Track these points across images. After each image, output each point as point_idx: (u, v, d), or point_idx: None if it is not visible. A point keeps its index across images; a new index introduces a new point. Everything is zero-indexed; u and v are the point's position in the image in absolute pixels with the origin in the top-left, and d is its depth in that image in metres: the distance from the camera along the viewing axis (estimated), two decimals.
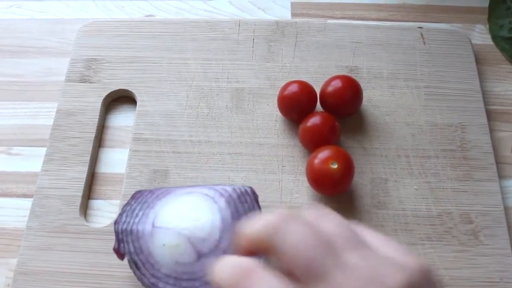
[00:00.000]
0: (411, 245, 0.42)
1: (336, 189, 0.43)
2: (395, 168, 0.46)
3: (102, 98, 0.49)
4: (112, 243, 0.39)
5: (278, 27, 0.54)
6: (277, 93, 0.48)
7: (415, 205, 0.44)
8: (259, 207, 0.39)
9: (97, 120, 0.48)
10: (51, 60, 0.53)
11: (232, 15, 0.57)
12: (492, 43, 0.55)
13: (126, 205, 0.41)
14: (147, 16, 0.57)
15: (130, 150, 0.47)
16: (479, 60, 0.53)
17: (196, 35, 0.53)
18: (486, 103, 0.50)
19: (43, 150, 0.47)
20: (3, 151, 0.48)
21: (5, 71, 0.53)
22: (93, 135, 0.47)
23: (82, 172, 0.46)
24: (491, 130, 0.49)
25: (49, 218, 0.43)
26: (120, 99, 0.51)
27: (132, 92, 0.50)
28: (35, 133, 0.49)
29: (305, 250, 0.24)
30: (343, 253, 0.24)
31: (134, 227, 0.39)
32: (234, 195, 0.39)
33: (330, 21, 0.56)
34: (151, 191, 0.41)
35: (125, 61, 0.52)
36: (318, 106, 0.48)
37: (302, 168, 0.46)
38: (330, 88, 0.47)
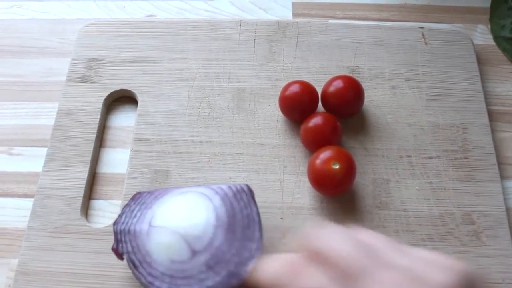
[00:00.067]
0: (413, 246, 0.42)
1: (338, 190, 0.43)
2: (397, 169, 0.46)
3: (103, 98, 0.49)
4: None
5: (279, 27, 0.54)
6: (279, 93, 0.48)
7: (417, 206, 0.44)
8: (255, 204, 0.39)
9: (98, 120, 0.48)
10: (52, 60, 0.53)
11: (233, 15, 0.57)
12: (493, 43, 0.55)
13: (125, 206, 0.41)
14: (148, 16, 0.57)
15: (131, 150, 0.47)
16: (481, 60, 0.53)
17: (197, 35, 0.53)
18: (488, 104, 0.50)
19: (44, 150, 0.47)
20: (4, 151, 0.48)
21: (6, 71, 0.53)
22: (94, 135, 0.47)
23: (83, 172, 0.45)
24: (493, 131, 0.48)
25: (50, 218, 0.43)
26: (121, 99, 0.51)
27: (133, 92, 0.50)
28: (36, 133, 0.49)
29: (348, 251, 0.25)
30: (384, 255, 0.25)
31: (132, 227, 0.39)
32: (230, 193, 0.39)
33: (331, 21, 0.55)
34: (150, 192, 0.41)
35: (126, 61, 0.52)
36: (320, 107, 0.47)
37: (304, 169, 0.46)
38: (331, 89, 0.46)
